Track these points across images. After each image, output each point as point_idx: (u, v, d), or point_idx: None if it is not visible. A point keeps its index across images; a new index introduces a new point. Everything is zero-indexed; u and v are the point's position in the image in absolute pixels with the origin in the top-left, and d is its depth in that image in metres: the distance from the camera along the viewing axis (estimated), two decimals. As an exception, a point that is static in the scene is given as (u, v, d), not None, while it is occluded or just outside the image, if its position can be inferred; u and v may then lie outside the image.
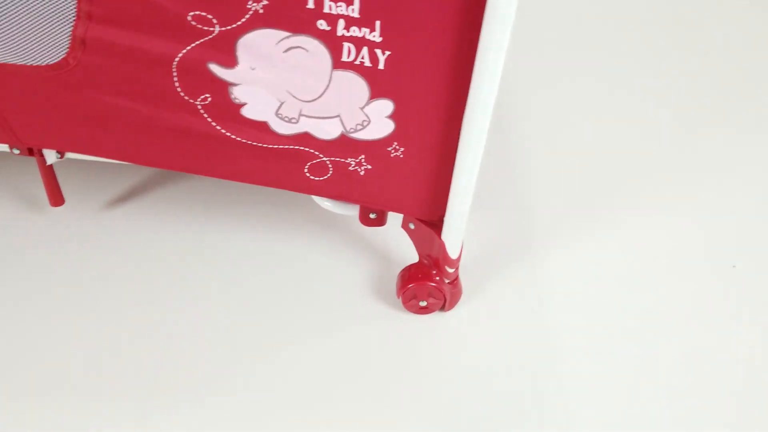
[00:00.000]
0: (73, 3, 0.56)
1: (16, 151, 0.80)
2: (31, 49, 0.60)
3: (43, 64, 0.61)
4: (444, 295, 0.79)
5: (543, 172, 1.00)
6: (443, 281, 0.78)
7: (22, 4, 0.56)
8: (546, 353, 0.78)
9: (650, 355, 0.78)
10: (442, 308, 0.81)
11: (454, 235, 0.73)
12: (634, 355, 0.78)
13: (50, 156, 0.81)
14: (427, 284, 0.78)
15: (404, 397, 0.74)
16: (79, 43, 0.59)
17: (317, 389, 0.74)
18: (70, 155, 0.81)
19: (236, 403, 0.72)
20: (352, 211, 0.82)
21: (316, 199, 0.80)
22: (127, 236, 0.88)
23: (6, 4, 0.56)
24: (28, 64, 0.61)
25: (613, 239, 0.91)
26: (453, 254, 0.75)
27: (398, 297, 0.79)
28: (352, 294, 0.83)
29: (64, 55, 0.60)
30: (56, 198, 0.87)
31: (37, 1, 0.55)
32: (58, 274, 0.83)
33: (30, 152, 0.81)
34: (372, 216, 0.82)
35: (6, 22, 0.58)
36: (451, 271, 0.77)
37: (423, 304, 0.79)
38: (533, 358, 0.77)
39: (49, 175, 0.84)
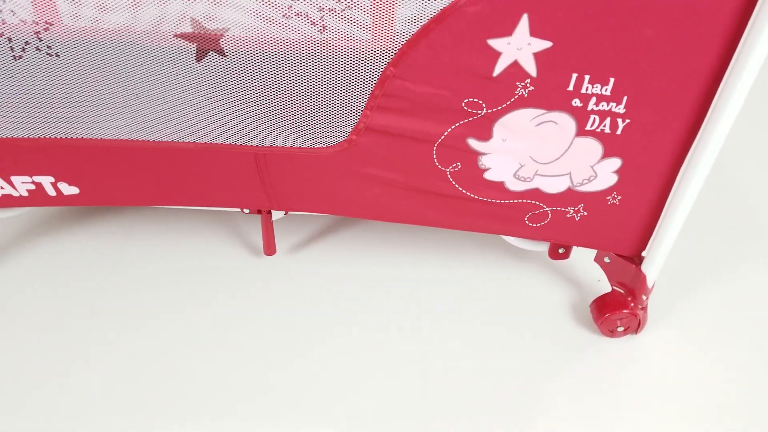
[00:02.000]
0: (364, 99, 0.66)
1: (246, 211, 0.91)
2: (317, 136, 0.71)
3: (322, 147, 0.72)
4: (639, 320, 0.88)
5: (725, 196, 1.09)
6: (637, 307, 0.87)
7: (321, 102, 0.66)
8: (738, 370, 0.87)
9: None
10: (635, 331, 0.90)
11: (655, 268, 0.82)
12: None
13: (277, 214, 0.92)
14: (624, 312, 0.87)
15: (617, 412, 0.83)
16: (362, 128, 0.69)
17: (543, 409, 0.83)
18: (292, 212, 0.92)
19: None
20: (542, 247, 0.91)
21: (505, 236, 0.90)
22: (322, 274, 0.98)
23: (304, 103, 0.67)
24: (310, 147, 0.72)
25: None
26: (651, 284, 0.84)
27: (597, 324, 0.89)
28: (550, 320, 0.92)
29: (344, 139, 0.71)
30: (271, 248, 0.98)
31: (335, 100, 0.66)
32: (274, 309, 0.93)
33: (258, 211, 0.92)
34: (561, 251, 0.91)
35: (301, 117, 0.68)
36: (645, 298, 0.86)
37: (620, 329, 0.89)
38: (727, 375, 0.86)
39: (269, 229, 0.95)
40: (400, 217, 0.83)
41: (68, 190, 0.78)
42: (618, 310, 0.87)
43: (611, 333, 0.89)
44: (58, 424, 0.79)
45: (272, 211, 0.91)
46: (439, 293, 0.96)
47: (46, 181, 0.76)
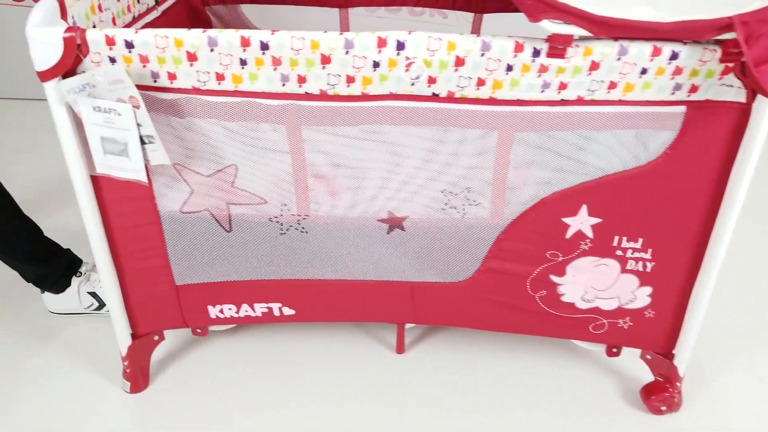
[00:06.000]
0: (484, 252, 1.06)
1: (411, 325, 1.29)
2: (455, 275, 1.11)
3: (456, 281, 1.11)
4: (675, 402, 1.19)
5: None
6: (674, 392, 1.19)
7: (460, 255, 1.06)
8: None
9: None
10: (673, 410, 1.21)
11: (683, 362, 1.15)
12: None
13: (410, 324, 1.29)
14: (666, 395, 1.19)
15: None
16: (481, 270, 1.09)
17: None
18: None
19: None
20: (600, 347, 1.26)
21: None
22: (432, 366, 1.33)
23: (451, 255, 1.07)
24: (450, 281, 1.11)
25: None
26: (681, 374, 1.16)
27: (645, 405, 1.21)
28: (607, 402, 1.25)
29: (470, 276, 1.10)
30: (402, 348, 1.34)
31: (469, 253, 1.06)
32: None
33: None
34: (614, 350, 1.25)
35: (448, 263, 1.08)
36: (679, 384, 1.18)
37: (663, 408, 1.20)
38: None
39: (402, 335, 1.32)
40: (499, 327, 1.21)
41: (288, 312, 1.18)
42: (660, 394, 1.19)
43: (658, 411, 1.21)
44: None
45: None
46: (520, 383, 1.30)
47: (276, 306, 1.17)
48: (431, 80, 0.90)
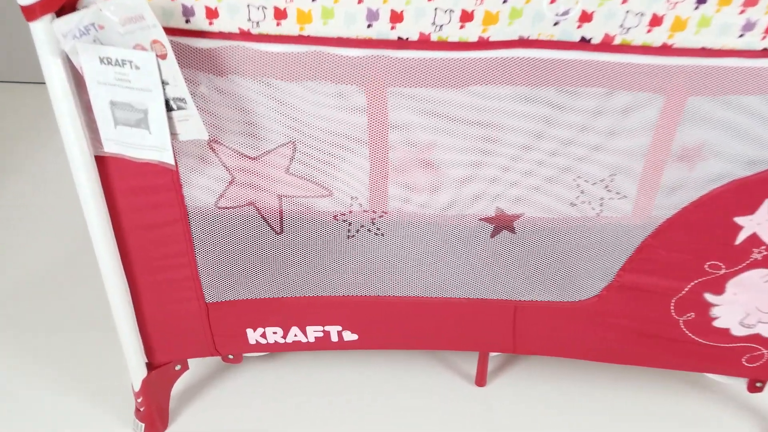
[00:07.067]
0: (621, 262, 0.81)
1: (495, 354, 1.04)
2: (575, 292, 0.86)
3: (577, 300, 0.86)
4: None
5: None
6: None
7: (586, 265, 0.81)
8: None
9: None
10: None
11: None
12: None
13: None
14: None
15: None
16: (614, 286, 0.84)
17: None
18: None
19: None
20: (741, 381, 1.00)
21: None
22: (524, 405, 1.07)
23: (573, 265, 0.82)
24: (567, 300, 0.86)
25: None
26: None
27: None
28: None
29: (596, 294, 0.85)
30: (483, 380, 1.09)
31: (598, 263, 0.81)
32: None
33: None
34: (758, 384, 1.00)
35: (568, 276, 0.83)
36: None
37: None
38: None
39: (485, 365, 1.06)
40: (623, 359, 0.95)
41: (349, 337, 0.93)
42: (825, 443, 0.94)
43: (820, 466, 0.96)
44: None
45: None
46: (634, 426, 1.04)
47: (334, 330, 0.92)
48: (585, 17, 0.63)
